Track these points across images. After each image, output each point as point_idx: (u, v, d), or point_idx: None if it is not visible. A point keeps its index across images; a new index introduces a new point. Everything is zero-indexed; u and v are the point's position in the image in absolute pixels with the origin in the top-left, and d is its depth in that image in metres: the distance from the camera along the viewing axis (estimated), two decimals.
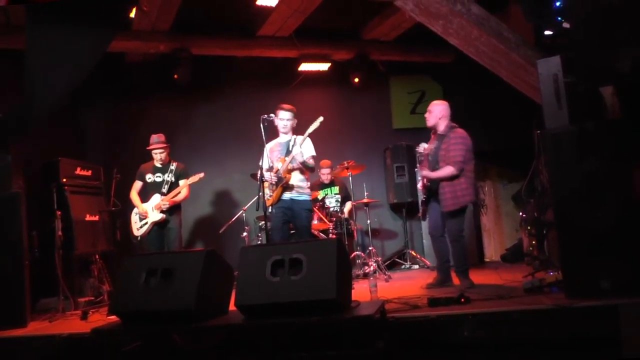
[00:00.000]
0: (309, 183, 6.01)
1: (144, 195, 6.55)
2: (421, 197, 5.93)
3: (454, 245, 5.57)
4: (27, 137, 5.57)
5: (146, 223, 6.40)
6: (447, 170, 5.45)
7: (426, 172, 5.66)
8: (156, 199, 6.43)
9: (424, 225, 7.73)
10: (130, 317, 3.89)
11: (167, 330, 3.82)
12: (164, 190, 6.45)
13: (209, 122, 8.60)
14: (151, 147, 6.52)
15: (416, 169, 5.81)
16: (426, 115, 5.72)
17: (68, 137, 7.85)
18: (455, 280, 5.63)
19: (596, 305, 3.80)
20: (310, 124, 5.67)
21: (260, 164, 5.92)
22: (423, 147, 5.75)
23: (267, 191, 5.75)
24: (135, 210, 6.52)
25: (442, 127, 5.59)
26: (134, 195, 6.53)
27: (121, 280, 4.06)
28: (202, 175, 6.44)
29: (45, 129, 6.30)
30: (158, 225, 6.40)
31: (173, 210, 6.46)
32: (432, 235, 5.79)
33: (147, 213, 6.38)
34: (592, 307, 3.79)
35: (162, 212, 6.36)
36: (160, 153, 6.51)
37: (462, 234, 5.55)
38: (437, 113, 5.61)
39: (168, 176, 6.51)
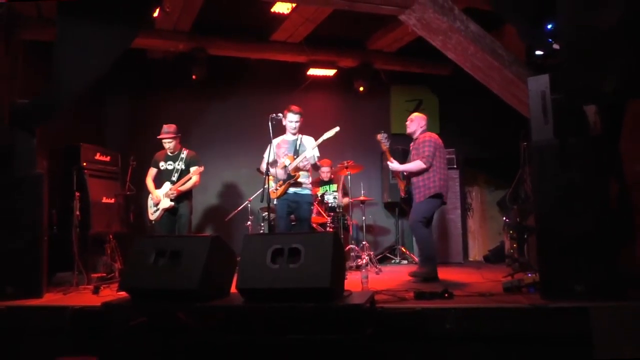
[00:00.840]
0: (311, 179, 6.06)
1: (158, 182, 6.55)
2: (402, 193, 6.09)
3: (413, 231, 5.78)
4: (51, 122, 5.56)
5: (158, 209, 6.41)
6: (417, 164, 5.66)
7: (395, 165, 5.85)
8: (166, 187, 6.44)
9: None
10: (138, 294, 3.91)
11: (172, 308, 3.83)
12: (174, 178, 6.45)
13: (221, 119, 8.61)
14: (161, 136, 6.51)
15: (389, 163, 5.94)
16: (407, 123, 5.97)
17: (90, 125, 7.86)
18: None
19: (569, 306, 3.81)
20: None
21: (264, 156, 5.96)
22: (384, 136, 5.99)
23: (271, 184, 5.79)
24: (150, 196, 6.54)
25: (417, 134, 5.89)
26: (149, 182, 6.54)
27: (132, 259, 4.07)
28: (201, 169, 6.42)
29: (69, 116, 6.32)
30: (169, 211, 6.41)
31: (183, 197, 6.45)
32: (410, 228, 6.07)
33: (159, 200, 6.38)
34: (565, 308, 3.80)
35: (171, 200, 6.36)
36: (169, 142, 6.50)
37: (421, 220, 5.62)
38: (418, 122, 5.90)
39: (178, 164, 6.50)
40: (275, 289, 3.59)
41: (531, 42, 5.06)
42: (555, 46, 4.73)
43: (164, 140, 6.51)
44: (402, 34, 7.81)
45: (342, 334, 3.50)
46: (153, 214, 6.45)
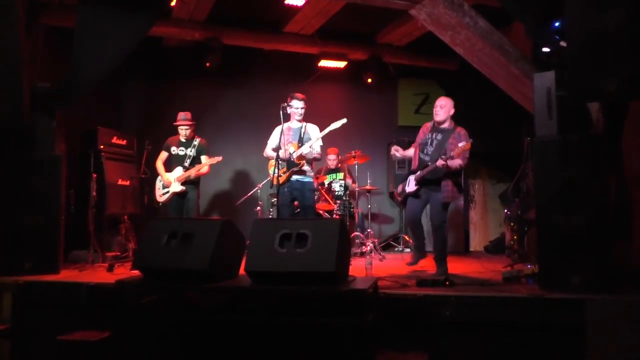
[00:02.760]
0: (312, 167, 6.06)
1: (168, 166, 6.55)
2: (412, 187, 5.42)
3: (438, 232, 5.25)
4: (71, 106, 5.58)
5: (168, 192, 6.42)
6: (460, 162, 5.10)
7: (449, 162, 5.03)
8: (178, 171, 6.44)
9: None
10: (151, 273, 3.93)
11: (183, 287, 3.84)
12: (186, 164, 6.46)
13: (233, 107, 8.60)
14: (178, 123, 6.52)
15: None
16: (437, 109, 5.33)
17: (107, 109, 7.88)
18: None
19: (566, 298, 3.81)
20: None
21: (268, 142, 5.96)
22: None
23: (275, 170, 5.71)
24: (159, 178, 6.55)
25: (448, 122, 5.34)
26: (159, 165, 6.54)
27: (145, 239, 4.08)
28: (220, 158, 6.43)
29: (88, 101, 6.33)
30: (178, 196, 6.43)
31: (192, 183, 6.48)
32: (413, 222, 5.47)
33: (170, 183, 6.40)
34: (562, 300, 3.80)
35: (182, 184, 6.38)
36: (186, 129, 6.51)
37: (446, 220, 5.31)
38: (449, 109, 5.32)
39: (191, 151, 6.51)
40: (282, 272, 3.60)
41: (538, 39, 5.01)
42: (562, 44, 4.69)
43: (180, 127, 6.52)
44: (412, 29, 7.76)
45: (345, 318, 3.51)
46: (162, 196, 6.46)
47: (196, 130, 6.70)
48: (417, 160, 5.48)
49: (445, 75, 8.98)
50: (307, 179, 5.93)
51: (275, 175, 5.32)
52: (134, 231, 6.58)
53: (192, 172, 6.37)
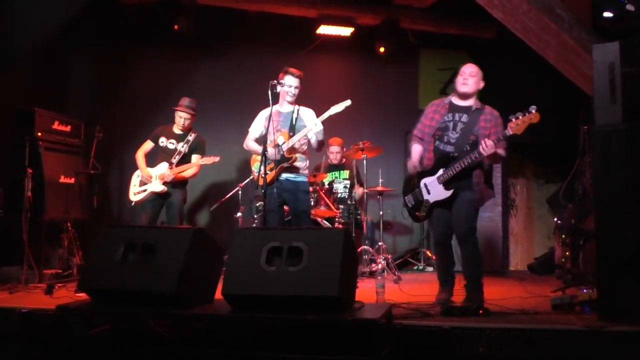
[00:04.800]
0: (308, 162, 6.02)
1: (152, 160, 6.59)
2: (441, 192, 5.05)
3: (467, 245, 4.99)
4: (1, 79, 5.57)
5: (145, 190, 6.47)
6: (503, 154, 4.95)
7: (489, 143, 4.74)
8: (162, 167, 6.48)
9: None
10: (101, 296, 3.92)
11: (143, 315, 3.84)
12: (174, 160, 6.49)
13: (209, 83, 8.59)
14: (179, 108, 6.59)
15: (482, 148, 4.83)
16: (465, 78, 5.08)
17: (47, 85, 7.82)
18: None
19: (632, 331, 3.80)
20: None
21: (249, 130, 5.95)
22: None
23: (257, 165, 5.64)
24: (137, 172, 6.58)
25: (474, 99, 5.15)
26: (140, 156, 6.60)
27: (95, 253, 4.08)
28: (217, 159, 6.52)
29: (22, 75, 6.31)
30: (158, 196, 6.45)
31: (177, 184, 6.52)
32: (442, 243, 5.22)
33: (150, 178, 6.42)
34: (628, 334, 3.79)
35: (164, 183, 6.39)
36: (185, 119, 6.60)
37: (475, 228, 5.06)
38: (479, 80, 5.11)
39: (182, 146, 6.56)
40: (271, 297, 3.59)
41: (599, 0, 5.00)
42: (629, 7, 4.68)
43: (179, 113, 6.59)
44: None
45: (351, 355, 3.51)
46: (136, 194, 6.51)
47: (161, 113, 6.68)
48: (432, 152, 5.18)
49: (479, 45, 8.97)
50: (300, 178, 5.91)
51: (261, 173, 5.28)
52: (79, 242, 6.58)
53: (177, 171, 6.38)
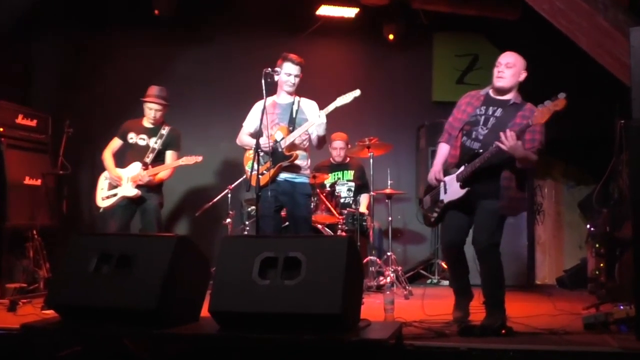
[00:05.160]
0: (309, 160, 6.01)
1: (121, 160, 6.58)
2: (455, 192, 4.98)
3: (487, 261, 4.87)
4: None
5: (115, 194, 6.43)
6: (534, 157, 4.79)
7: (510, 134, 4.57)
8: (135, 168, 6.44)
9: None
10: (72, 314, 3.92)
11: (119, 334, 3.85)
12: (147, 159, 6.47)
13: (195, 71, 8.61)
14: (148, 98, 6.56)
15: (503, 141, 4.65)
16: (501, 69, 4.98)
17: (9, 74, 7.85)
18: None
19: None
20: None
21: (244, 124, 5.95)
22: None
23: (251, 164, 5.61)
24: (105, 173, 6.56)
25: (514, 92, 5.03)
26: (108, 155, 6.58)
27: (64, 265, 4.08)
28: (199, 158, 6.47)
29: None
30: (130, 201, 6.44)
31: (153, 187, 6.51)
32: (456, 250, 5.11)
33: (120, 180, 6.39)
34: None
35: (138, 186, 6.38)
36: (156, 110, 6.56)
37: (499, 242, 4.91)
38: (519, 71, 4.99)
39: (155, 142, 6.53)
40: (264, 314, 3.59)
41: None
42: None
43: (149, 105, 6.56)
44: None
45: None
46: (105, 200, 6.48)
47: (139, 105, 6.66)
48: (459, 149, 5.12)
49: (501, 27, 8.97)
50: (300, 179, 5.89)
51: (255, 173, 5.28)
52: (47, 253, 6.57)
53: (153, 172, 6.38)
